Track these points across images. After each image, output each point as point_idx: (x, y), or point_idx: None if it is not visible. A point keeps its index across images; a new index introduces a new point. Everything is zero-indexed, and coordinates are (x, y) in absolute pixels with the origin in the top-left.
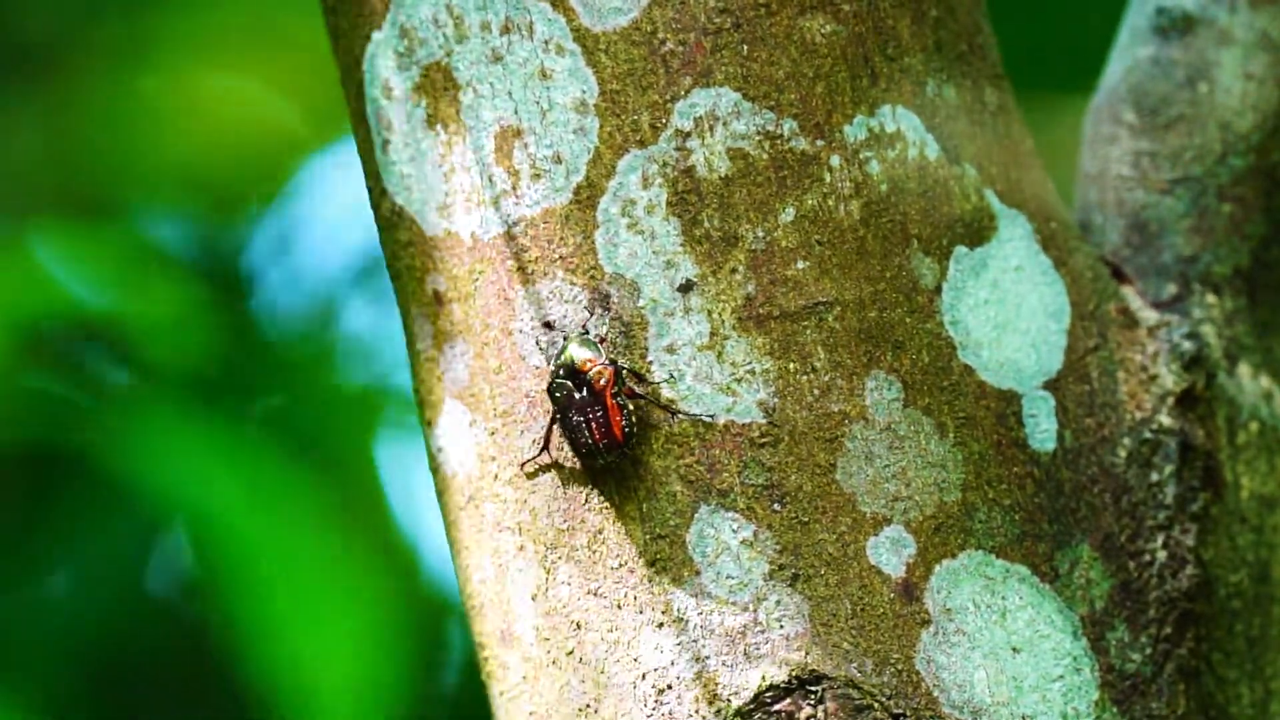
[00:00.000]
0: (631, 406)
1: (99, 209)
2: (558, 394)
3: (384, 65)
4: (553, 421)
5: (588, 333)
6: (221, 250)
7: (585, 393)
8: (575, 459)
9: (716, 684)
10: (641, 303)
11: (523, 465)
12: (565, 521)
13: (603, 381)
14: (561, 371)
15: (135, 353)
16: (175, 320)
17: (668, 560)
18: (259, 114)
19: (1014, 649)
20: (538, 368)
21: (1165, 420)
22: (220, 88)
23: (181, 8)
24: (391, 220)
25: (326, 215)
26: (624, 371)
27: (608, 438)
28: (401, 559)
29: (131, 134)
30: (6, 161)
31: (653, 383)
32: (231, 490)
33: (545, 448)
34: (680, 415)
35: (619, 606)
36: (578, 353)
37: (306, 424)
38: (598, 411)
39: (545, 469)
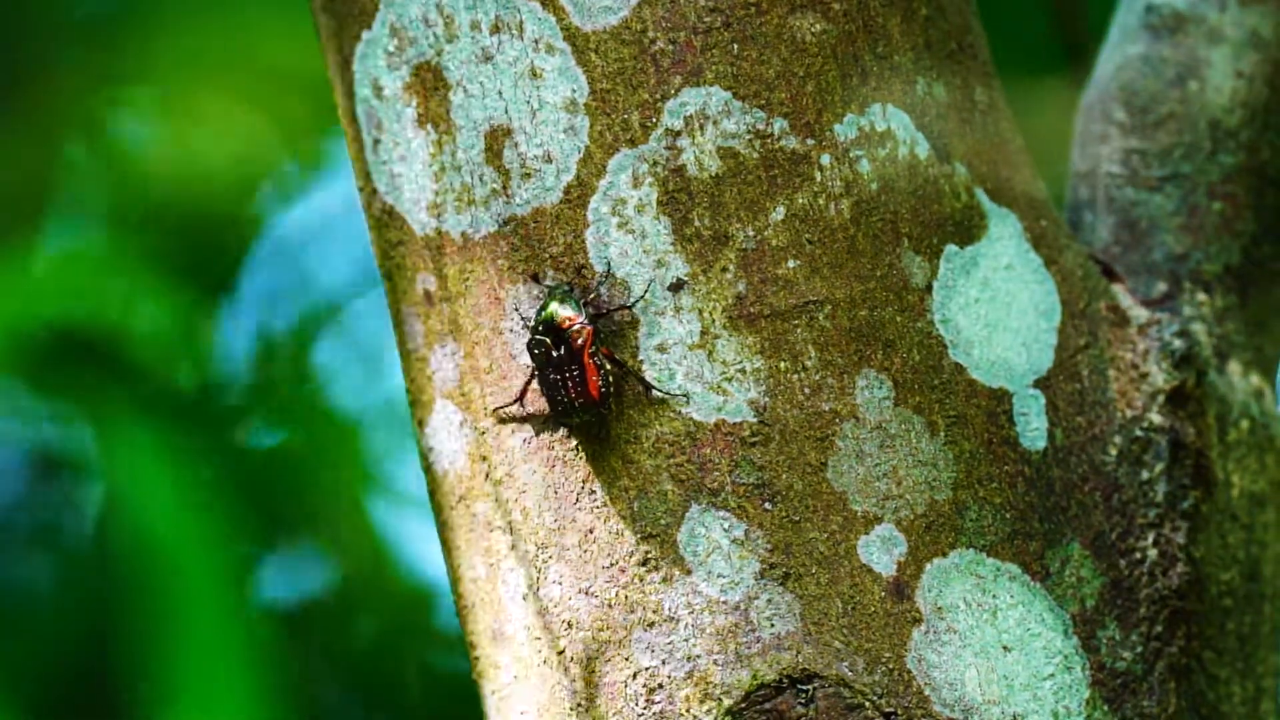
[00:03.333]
0: (609, 366)
1: (81, 219)
2: (536, 350)
3: (374, 64)
4: (530, 377)
5: (571, 289)
6: (204, 262)
7: (563, 351)
8: (550, 413)
9: (708, 683)
10: (638, 308)
11: (494, 411)
12: (556, 521)
13: (580, 340)
14: (541, 328)
15: (123, 365)
16: (163, 333)
17: (659, 559)
18: (239, 133)
19: (1005, 647)
20: (528, 367)
21: (1156, 418)
22: (200, 109)
23: (161, 31)
24: (382, 220)
25: (310, 228)
26: (604, 321)
27: (584, 397)
28: (385, 578)
29: (111, 149)
30: None
31: (630, 307)
32: (174, 517)
33: (519, 400)
34: (655, 391)
35: (610, 605)
36: (558, 310)
37: (289, 441)
38: (574, 370)
39: (540, 462)
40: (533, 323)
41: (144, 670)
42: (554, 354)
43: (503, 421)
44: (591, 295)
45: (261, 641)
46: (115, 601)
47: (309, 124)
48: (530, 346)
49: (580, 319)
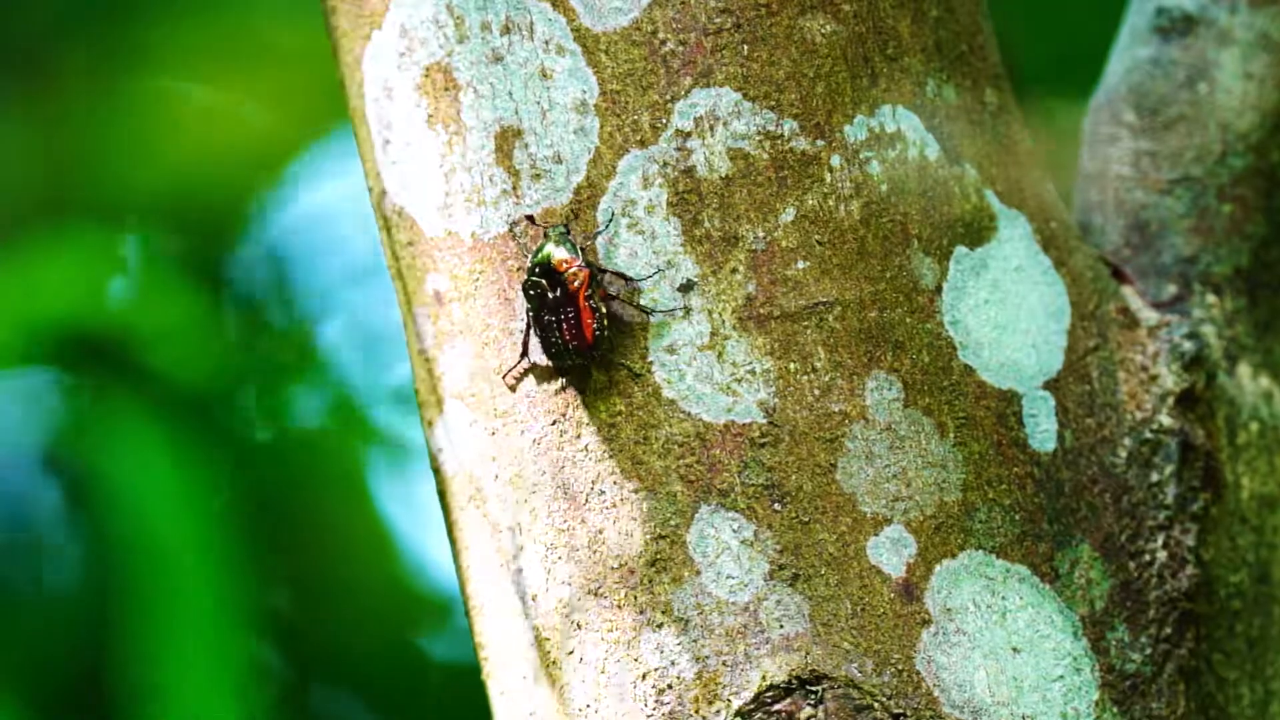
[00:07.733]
0: (604, 309)
1: (90, 216)
2: (532, 292)
3: (384, 65)
4: (529, 324)
5: (568, 232)
6: (211, 259)
7: (559, 293)
8: (548, 361)
9: (717, 684)
10: (642, 302)
11: (503, 376)
12: (565, 521)
13: (576, 283)
14: (537, 270)
15: (131, 360)
16: (171, 328)
17: (668, 560)
18: (246, 123)
19: (1014, 649)
20: (536, 364)
21: (1165, 420)
22: (207, 98)
23: (167, 19)
24: (392, 220)
25: (314, 221)
26: (600, 274)
27: (578, 339)
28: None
29: (119, 144)
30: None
31: (633, 280)
32: (175, 517)
33: (524, 353)
34: (656, 313)
35: (619, 606)
36: (555, 252)
37: (290, 440)
38: (569, 312)
39: (547, 459)
40: (529, 264)
41: (139, 671)
42: (549, 296)
43: (512, 389)
44: (589, 242)
45: (252, 644)
46: (114, 602)
47: (317, 111)
48: (525, 288)
49: (577, 262)
